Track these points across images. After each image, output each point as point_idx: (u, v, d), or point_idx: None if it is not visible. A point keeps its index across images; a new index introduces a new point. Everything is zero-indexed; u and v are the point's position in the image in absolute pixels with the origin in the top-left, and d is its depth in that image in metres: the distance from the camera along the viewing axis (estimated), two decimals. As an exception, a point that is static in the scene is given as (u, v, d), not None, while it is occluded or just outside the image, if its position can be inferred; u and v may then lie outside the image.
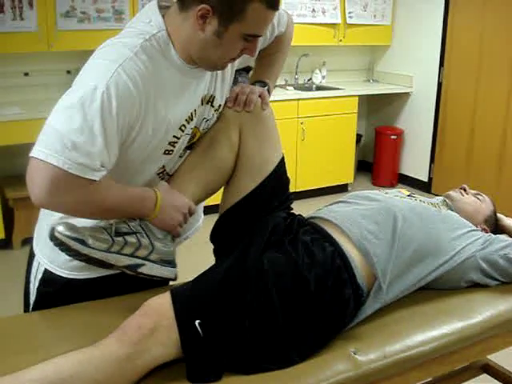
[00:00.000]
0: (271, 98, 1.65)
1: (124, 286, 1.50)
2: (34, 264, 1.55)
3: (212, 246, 1.60)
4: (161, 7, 1.35)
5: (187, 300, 1.28)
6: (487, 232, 1.84)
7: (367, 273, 1.47)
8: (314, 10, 5.20)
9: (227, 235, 1.56)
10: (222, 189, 1.60)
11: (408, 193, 1.84)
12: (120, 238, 1.35)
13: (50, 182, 1.21)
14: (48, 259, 1.50)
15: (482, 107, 4.98)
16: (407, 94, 5.70)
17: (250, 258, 1.38)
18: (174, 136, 1.42)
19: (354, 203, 1.70)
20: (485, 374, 2.26)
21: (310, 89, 5.54)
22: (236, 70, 1.62)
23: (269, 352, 1.28)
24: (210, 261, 1.54)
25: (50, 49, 4.02)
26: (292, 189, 1.67)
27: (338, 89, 5.36)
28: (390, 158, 5.76)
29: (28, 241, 1.63)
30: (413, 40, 5.59)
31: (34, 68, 4.29)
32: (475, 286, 1.66)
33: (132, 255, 1.37)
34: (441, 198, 1.95)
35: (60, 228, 1.29)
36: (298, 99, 5.00)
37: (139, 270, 1.39)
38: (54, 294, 1.53)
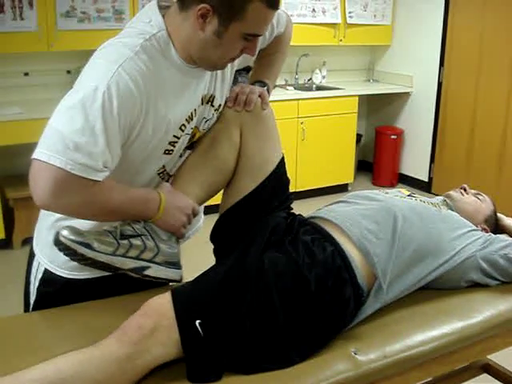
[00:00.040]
0: (271, 98, 1.65)
1: (124, 286, 1.50)
2: (34, 264, 1.55)
3: (212, 246, 1.60)
4: (161, 7, 1.35)
5: (187, 300, 1.28)
6: (487, 232, 1.84)
7: (367, 272, 1.47)
8: (314, 9, 5.20)
9: (227, 235, 1.56)
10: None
11: (408, 192, 1.84)
12: (125, 241, 1.35)
13: (53, 184, 1.20)
14: (48, 259, 1.50)
15: (482, 107, 4.98)
16: (407, 94, 5.70)
17: (251, 258, 1.38)
18: (174, 136, 1.42)
19: (354, 203, 1.70)
20: (485, 374, 2.26)
21: (310, 89, 5.54)
22: (236, 70, 1.62)
23: (269, 352, 1.28)
24: (210, 261, 1.54)
25: (50, 49, 4.02)
26: (292, 189, 1.67)
27: (338, 89, 5.36)
28: (390, 158, 5.76)
29: (28, 241, 1.63)
30: (413, 40, 5.59)
31: (34, 68, 4.29)
32: (475, 286, 1.66)
33: (137, 258, 1.37)
34: (441, 197, 1.95)
35: (65, 232, 1.28)
36: (298, 99, 5.00)
37: (145, 273, 1.39)
38: (54, 293, 1.52)
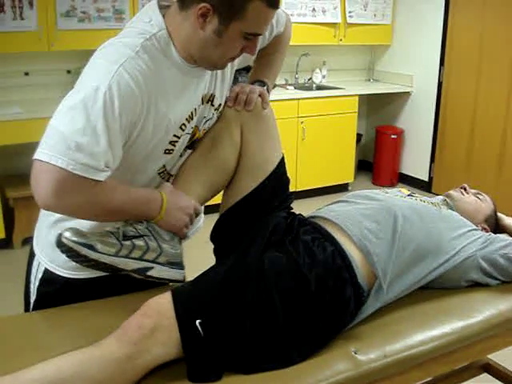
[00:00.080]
0: (271, 98, 1.65)
1: (124, 285, 1.50)
2: (34, 264, 1.55)
3: (212, 246, 1.60)
4: (161, 7, 1.35)
5: (188, 300, 1.28)
6: (487, 231, 1.84)
7: (368, 272, 1.47)
8: (314, 9, 5.20)
9: (227, 235, 1.56)
10: (221, 188, 1.60)
11: (408, 192, 1.84)
12: (128, 242, 1.35)
13: (55, 184, 1.20)
14: (48, 259, 1.50)
15: (482, 107, 4.98)
16: (407, 94, 5.70)
17: (251, 258, 1.38)
18: (175, 135, 1.42)
19: (354, 203, 1.70)
20: (485, 374, 2.26)
21: (310, 88, 5.54)
22: (236, 70, 1.62)
23: (269, 352, 1.28)
24: (210, 261, 1.54)
25: (50, 48, 4.02)
26: (292, 188, 1.67)
27: (339, 88, 5.36)
28: (391, 158, 5.76)
29: (28, 240, 1.63)
30: (413, 39, 5.59)
31: (35, 68, 4.29)
32: (475, 286, 1.66)
33: (140, 259, 1.37)
34: (441, 197, 1.95)
35: (67, 234, 1.28)
36: (299, 99, 5.00)
37: (148, 274, 1.39)
38: (54, 293, 1.52)
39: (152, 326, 1.21)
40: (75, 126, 1.19)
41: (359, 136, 5.75)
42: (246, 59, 1.61)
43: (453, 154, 5.32)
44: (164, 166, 1.48)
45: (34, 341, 1.37)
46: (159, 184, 1.50)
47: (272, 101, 1.63)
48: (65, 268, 1.48)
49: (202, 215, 1.74)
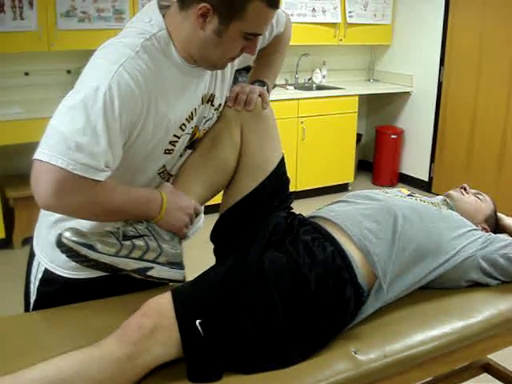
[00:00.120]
0: (271, 98, 1.65)
1: (124, 285, 1.50)
2: (34, 264, 1.55)
3: (212, 246, 1.60)
4: (161, 7, 1.35)
5: (188, 300, 1.28)
6: (487, 231, 1.84)
7: (368, 272, 1.47)
8: (314, 9, 5.20)
9: (227, 235, 1.56)
10: (221, 188, 1.60)
11: (408, 192, 1.84)
12: (128, 242, 1.35)
13: (55, 184, 1.20)
14: (48, 259, 1.50)
15: (483, 107, 4.98)
16: (407, 94, 5.70)
17: (251, 258, 1.38)
18: (175, 135, 1.42)
19: (354, 203, 1.70)
20: (485, 374, 2.26)
21: (310, 88, 5.54)
22: (236, 70, 1.62)
23: (269, 352, 1.28)
24: (210, 261, 1.54)
25: (50, 48, 4.02)
26: (292, 188, 1.67)
27: (339, 88, 5.36)
28: (391, 158, 5.76)
29: (28, 240, 1.63)
30: (413, 39, 5.59)
31: (35, 68, 4.29)
32: (475, 286, 1.66)
33: (140, 259, 1.37)
34: (441, 197, 1.95)
35: (67, 234, 1.28)
36: (299, 99, 5.00)
37: (148, 274, 1.39)
38: (54, 293, 1.52)
39: (152, 325, 1.21)
40: (75, 126, 1.19)
41: (359, 136, 5.75)
42: (245, 59, 1.61)
43: (453, 154, 5.32)
44: (164, 166, 1.48)
45: (34, 341, 1.37)
46: (159, 184, 1.50)
47: (272, 101, 1.63)
48: (65, 268, 1.48)
49: (202, 215, 1.74)
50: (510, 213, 2.02)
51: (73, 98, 1.23)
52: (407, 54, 5.68)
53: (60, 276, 1.49)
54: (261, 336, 1.28)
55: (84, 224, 1.38)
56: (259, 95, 1.56)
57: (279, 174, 1.58)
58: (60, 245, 1.29)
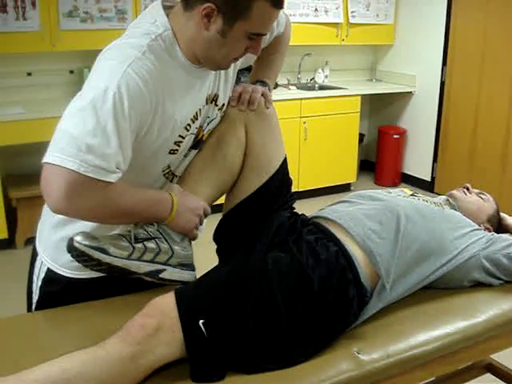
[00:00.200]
0: (273, 98, 1.65)
1: (127, 285, 1.50)
2: (37, 263, 1.55)
3: (215, 246, 1.60)
4: (165, 7, 1.35)
5: (191, 300, 1.28)
6: (490, 231, 1.84)
7: (371, 272, 1.46)
8: (316, 9, 5.20)
9: (230, 235, 1.56)
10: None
11: (411, 192, 1.83)
12: (140, 245, 1.34)
13: (67, 187, 1.19)
14: (51, 258, 1.50)
15: (485, 106, 4.98)
16: (410, 94, 5.69)
17: (254, 258, 1.38)
18: (180, 135, 1.42)
19: (356, 203, 1.70)
20: (488, 374, 2.26)
21: (312, 88, 5.54)
22: (239, 70, 1.62)
23: (272, 352, 1.28)
24: (214, 261, 1.54)
25: (52, 49, 4.03)
26: (294, 188, 1.67)
27: (341, 88, 5.35)
28: (393, 158, 5.76)
29: (31, 240, 1.63)
30: (415, 39, 5.58)
31: (37, 68, 4.29)
32: (478, 286, 1.66)
33: (152, 261, 1.36)
34: (444, 197, 1.95)
35: (78, 238, 1.27)
36: (301, 99, 5.00)
37: (160, 276, 1.39)
38: (57, 293, 1.52)
39: (155, 325, 1.21)
40: (85, 128, 1.18)
41: (361, 136, 5.74)
42: (247, 59, 1.61)
43: (455, 154, 5.31)
44: (169, 166, 1.48)
45: (36, 341, 1.37)
46: (163, 185, 1.50)
47: (274, 101, 1.63)
48: (67, 268, 1.48)
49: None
50: (512, 213, 2.02)
51: (81, 99, 1.22)
52: (410, 54, 5.67)
53: (63, 276, 1.49)
54: (264, 336, 1.28)
55: (90, 226, 1.37)
56: (262, 95, 1.56)
57: (282, 174, 1.58)
58: (71, 249, 1.28)
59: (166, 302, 1.26)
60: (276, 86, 4.95)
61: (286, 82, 5.44)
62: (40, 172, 1.21)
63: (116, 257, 1.30)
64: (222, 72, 1.50)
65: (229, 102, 1.57)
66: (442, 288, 1.63)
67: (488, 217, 1.91)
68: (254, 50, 1.37)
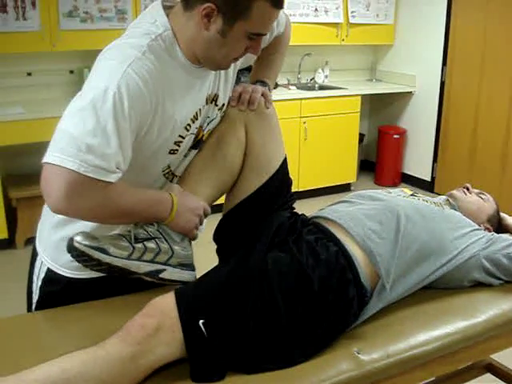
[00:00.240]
0: (273, 98, 1.65)
1: (127, 285, 1.50)
2: (37, 263, 1.55)
3: (215, 246, 1.60)
4: (164, 7, 1.35)
5: (191, 300, 1.28)
6: (490, 231, 1.84)
7: (371, 272, 1.46)
8: (316, 9, 5.20)
9: (230, 235, 1.56)
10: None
11: (411, 192, 1.83)
12: (139, 245, 1.34)
13: (67, 187, 1.19)
14: (51, 258, 1.50)
15: (485, 106, 4.98)
16: (410, 94, 5.69)
17: (254, 258, 1.38)
18: (180, 135, 1.42)
19: (356, 203, 1.70)
20: (488, 374, 2.26)
21: (312, 88, 5.54)
22: (239, 70, 1.62)
23: (272, 352, 1.28)
24: (214, 261, 1.54)
25: (52, 49, 4.03)
26: (294, 188, 1.67)
27: (341, 88, 5.35)
28: (393, 158, 5.76)
29: (31, 240, 1.63)
30: (416, 39, 5.58)
31: (37, 68, 4.29)
32: (478, 286, 1.66)
33: (152, 261, 1.36)
34: (444, 197, 1.95)
35: (78, 238, 1.27)
36: (301, 99, 5.00)
37: (160, 276, 1.39)
38: (57, 293, 1.52)
39: (155, 325, 1.21)
40: (85, 128, 1.18)
41: (362, 136, 5.74)
42: (247, 59, 1.61)
43: (455, 154, 5.31)
44: (169, 166, 1.48)
45: (36, 341, 1.37)
46: (163, 185, 1.50)
47: (274, 101, 1.63)
48: (67, 268, 1.48)
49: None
50: (512, 213, 2.02)
51: (81, 99, 1.22)
52: (410, 54, 5.67)
53: (63, 276, 1.49)
54: (264, 336, 1.28)
55: (90, 225, 1.37)
56: (262, 95, 1.56)
57: (282, 174, 1.58)
58: (71, 249, 1.28)
59: (166, 302, 1.26)
60: (276, 86, 4.95)
61: (286, 82, 5.44)
62: (40, 172, 1.21)
63: (116, 257, 1.30)
64: (222, 72, 1.50)
65: (229, 102, 1.57)
66: (442, 288, 1.63)
67: (488, 217, 1.91)
68: (254, 50, 1.36)
